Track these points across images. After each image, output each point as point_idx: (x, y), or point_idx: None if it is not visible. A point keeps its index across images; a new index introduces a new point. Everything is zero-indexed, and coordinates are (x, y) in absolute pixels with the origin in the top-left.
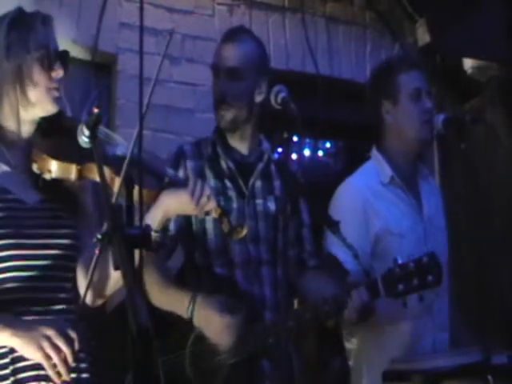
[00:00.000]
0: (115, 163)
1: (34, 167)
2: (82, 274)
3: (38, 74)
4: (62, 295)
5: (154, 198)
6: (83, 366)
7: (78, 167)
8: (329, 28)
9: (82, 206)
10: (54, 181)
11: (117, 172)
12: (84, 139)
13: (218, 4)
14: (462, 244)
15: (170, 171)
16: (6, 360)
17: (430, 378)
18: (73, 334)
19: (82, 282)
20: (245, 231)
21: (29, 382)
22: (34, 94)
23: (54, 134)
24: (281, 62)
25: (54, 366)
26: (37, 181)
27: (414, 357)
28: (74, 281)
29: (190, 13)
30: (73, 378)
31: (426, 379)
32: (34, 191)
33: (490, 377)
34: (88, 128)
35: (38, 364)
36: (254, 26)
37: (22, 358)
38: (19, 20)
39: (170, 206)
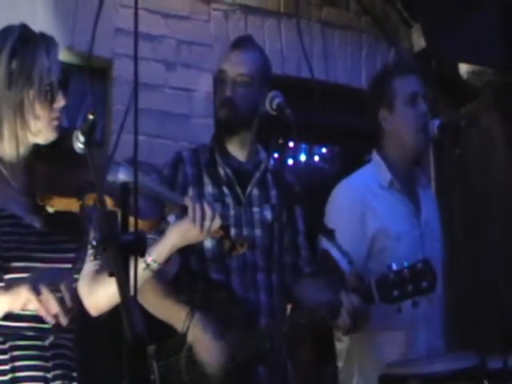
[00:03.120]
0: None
1: (38, 200)
2: (85, 290)
3: (40, 109)
4: None
5: (155, 227)
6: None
7: (80, 201)
8: (324, 33)
9: (85, 232)
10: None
11: (118, 203)
12: (79, 145)
13: (214, 9)
14: (458, 249)
15: (171, 196)
16: (6, 367)
17: (426, 383)
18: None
19: (85, 297)
20: (244, 249)
21: (26, 382)
22: (35, 126)
23: (54, 161)
24: (276, 67)
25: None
26: (41, 209)
27: (411, 361)
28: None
29: (186, 18)
30: None
31: (422, 383)
32: (38, 216)
33: (485, 381)
34: (83, 134)
35: (36, 365)
36: (250, 31)
37: (21, 357)
38: (23, 45)
39: (177, 241)
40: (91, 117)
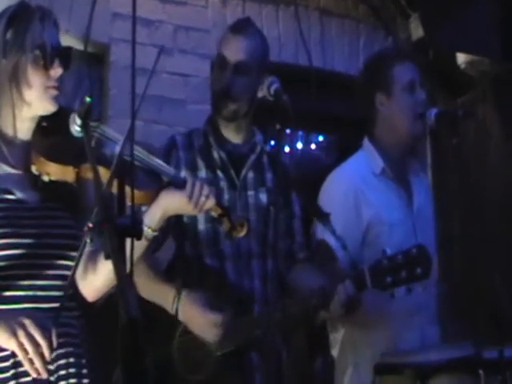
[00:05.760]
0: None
1: (33, 168)
2: (80, 273)
3: (32, 75)
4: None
5: (153, 199)
6: (84, 371)
7: (76, 169)
8: (322, 21)
9: (81, 206)
10: (53, 181)
11: (115, 173)
12: (76, 128)
13: None
14: (454, 239)
15: (169, 170)
16: (7, 364)
17: (421, 372)
18: (51, 328)
19: (81, 280)
20: (245, 230)
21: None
22: (29, 94)
23: (52, 133)
24: (274, 54)
25: (31, 360)
26: (36, 181)
27: (406, 350)
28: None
29: (183, 4)
30: None
31: (417, 373)
32: (33, 191)
33: (481, 371)
34: (80, 117)
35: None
36: None
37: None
38: (18, 17)
39: (168, 207)
40: (88, 99)
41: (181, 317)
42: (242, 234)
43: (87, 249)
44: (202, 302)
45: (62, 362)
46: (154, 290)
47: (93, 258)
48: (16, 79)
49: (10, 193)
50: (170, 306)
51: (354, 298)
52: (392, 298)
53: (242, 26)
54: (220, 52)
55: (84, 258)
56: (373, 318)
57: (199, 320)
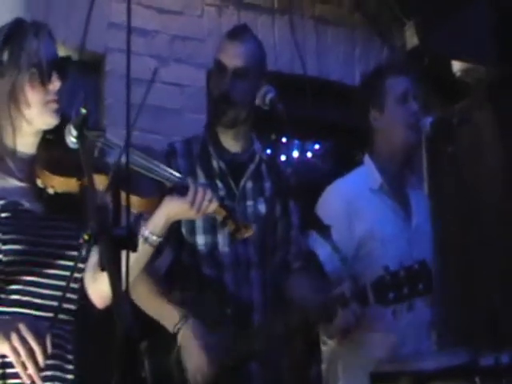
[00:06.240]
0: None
1: (38, 182)
2: (89, 280)
3: (30, 94)
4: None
5: (156, 206)
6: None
7: (79, 181)
8: (317, 29)
9: (85, 217)
10: (58, 194)
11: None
12: (72, 139)
13: (207, 5)
14: (451, 247)
15: (171, 175)
16: None
17: (417, 379)
18: (45, 334)
19: (89, 288)
20: (250, 231)
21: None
22: (28, 112)
23: (56, 146)
24: (269, 63)
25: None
26: (41, 193)
27: (402, 358)
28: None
29: (179, 13)
30: None
31: (413, 380)
32: (39, 203)
33: (477, 379)
34: (75, 128)
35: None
36: None
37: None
38: (13, 35)
39: (172, 213)
40: (83, 111)
41: (180, 340)
42: (247, 234)
43: (93, 258)
44: (203, 337)
45: (49, 373)
46: (157, 307)
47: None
48: (14, 98)
49: (20, 204)
50: (171, 326)
51: (360, 318)
52: (394, 318)
53: (239, 32)
54: (217, 58)
55: (92, 265)
56: (370, 334)
57: (194, 354)
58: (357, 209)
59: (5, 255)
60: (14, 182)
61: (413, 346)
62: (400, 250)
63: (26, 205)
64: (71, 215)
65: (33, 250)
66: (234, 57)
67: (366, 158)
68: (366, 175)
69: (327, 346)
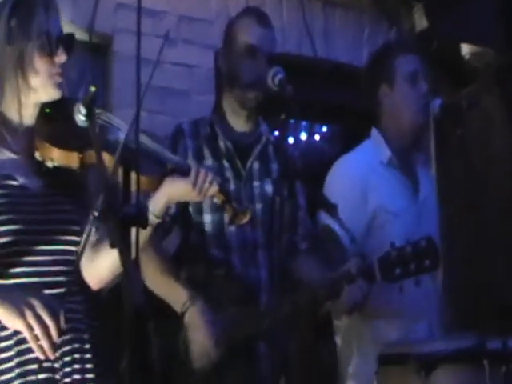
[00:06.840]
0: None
1: (37, 154)
2: (86, 260)
3: (39, 62)
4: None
5: (157, 185)
6: (88, 356)
7: (80, 155)
8: (326, 12)
9: (85, 193)
10: (57, 168)
11: (119, 159)
12: (81, 118)
13: None
14: (457, 229)
15: (173, 157)
16: (11, 342)
17: (425, 362)
18: (59, 309)
19: (85, 268)
20: (247, 217)
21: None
22: (35, 80)
23: (56, 120)
24: (278, 44)
25: (38, 339)
26: (40, 167)
27: (410, 340)
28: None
29: None
30: (77, 379)
31: (421, 363)
32: (36, 178)
33: (485, 361)
34: (85, 106)
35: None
36: None
37: (27, 349)
38: (22, 4)
39: (172, 194)
40: (93, 89)
41: (187, 320)
42: (244, 221)
43: (92, 238)
44: (210, 318)
45: (67, 348)
46: (165, 286)
47: (97, 247)
48: (22, 66)
49: (13, 179)
50: (179, 306)
51: (367, 294)
52: (400, 291)
53: (265, 17)
54: (247, 41)
55: (88, 246)
56: (380, 310)
57: (200, 334)
58: (370, 181)
59: (1, 237)
60: (9, 155)
61: (426, 321)
62: (410, 224)
63: (21, 180)
64: (69, 190)
65: (31, 229)
66: (267, 43)
67: (374, 132)
68: (374, 149)
69: (341, 322)
